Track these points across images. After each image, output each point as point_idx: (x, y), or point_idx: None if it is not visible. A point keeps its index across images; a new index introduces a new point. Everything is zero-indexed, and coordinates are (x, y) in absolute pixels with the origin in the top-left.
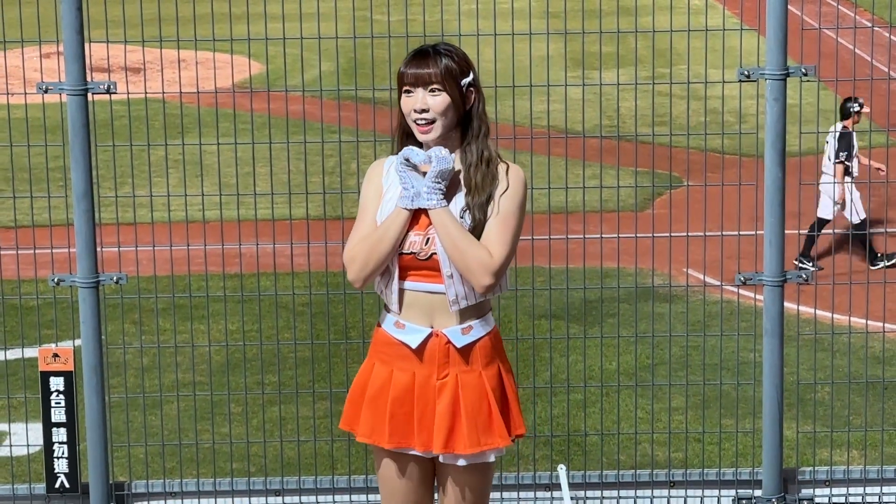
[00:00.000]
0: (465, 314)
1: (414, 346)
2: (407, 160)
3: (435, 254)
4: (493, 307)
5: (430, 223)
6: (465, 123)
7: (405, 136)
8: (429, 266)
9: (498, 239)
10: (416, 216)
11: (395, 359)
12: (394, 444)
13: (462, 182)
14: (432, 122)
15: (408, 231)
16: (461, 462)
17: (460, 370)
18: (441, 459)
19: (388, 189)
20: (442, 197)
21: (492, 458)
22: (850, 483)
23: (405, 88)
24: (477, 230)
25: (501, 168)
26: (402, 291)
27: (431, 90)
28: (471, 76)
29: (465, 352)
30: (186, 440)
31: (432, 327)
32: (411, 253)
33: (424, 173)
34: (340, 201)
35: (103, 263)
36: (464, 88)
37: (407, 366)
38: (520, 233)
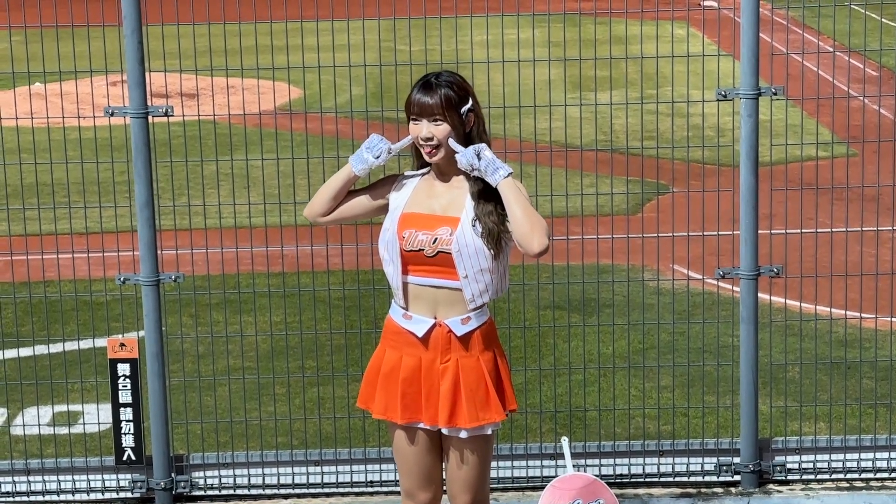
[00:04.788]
0: (464, 308)
1: (420, 334)
2: (389, 151)
3: (441, 252)
4: (498, 302)
5: (438, 224)
6: (468, 143)
7: (418, 151)
8: (434, 263)
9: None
10: (424, 218)
11: (404, 345)
12: (405, 419)
13: (469, 196)
14: (437, 146)
15: (416, 231)
16: (463, 434)
17: (460, 355)
18: (445, 432)
19: (393, 201)
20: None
21: (489, 431)
22: (817, 451)
23: (412, 117)
24: (490, 237)
25: None
26: (406, 285)
27: (434, 120)
28: (470, 103)
29: (465, 339)
30: (237, 417)
31: (436, 318)
32: (420, 250)
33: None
34: None
35: (163, 264)
36: (463, 115)
37: (414, 351)
38: None
